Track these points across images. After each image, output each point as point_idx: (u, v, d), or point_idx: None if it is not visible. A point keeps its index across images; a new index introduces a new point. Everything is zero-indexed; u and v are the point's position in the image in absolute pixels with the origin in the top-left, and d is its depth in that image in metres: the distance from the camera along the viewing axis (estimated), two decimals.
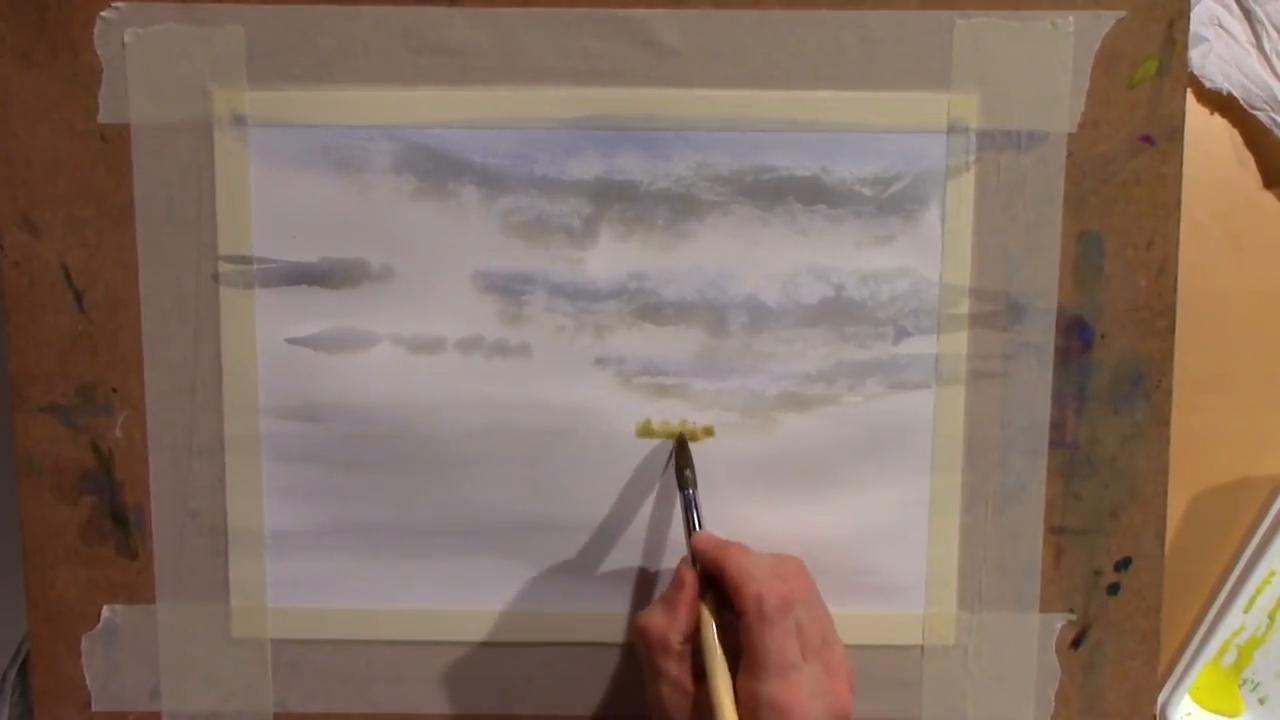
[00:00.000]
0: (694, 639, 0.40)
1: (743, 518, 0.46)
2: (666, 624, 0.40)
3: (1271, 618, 0.52)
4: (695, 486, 0.44)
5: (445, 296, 0.46)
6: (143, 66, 0.44)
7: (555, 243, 0.45)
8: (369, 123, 0.45)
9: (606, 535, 0.47)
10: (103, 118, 0.45)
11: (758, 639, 0.38)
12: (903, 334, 0.46)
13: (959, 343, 0.46)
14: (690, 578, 0.40)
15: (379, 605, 0.47)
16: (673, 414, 0.46)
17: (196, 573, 0.47)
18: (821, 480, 0.46)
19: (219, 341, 0.46)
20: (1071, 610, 0.47)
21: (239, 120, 0.45)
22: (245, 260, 0.46)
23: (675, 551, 0.47)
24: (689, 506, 0.43)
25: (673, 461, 0.45)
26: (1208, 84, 0.49)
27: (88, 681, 0.48)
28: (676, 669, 0.39)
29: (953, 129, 0.45)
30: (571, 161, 0.45)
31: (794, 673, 0.38)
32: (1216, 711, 0.52)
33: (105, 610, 0.47)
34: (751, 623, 0.38)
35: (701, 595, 0.40)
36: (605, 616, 0.47)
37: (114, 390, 0.46)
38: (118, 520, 0.47)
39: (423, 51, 0.45)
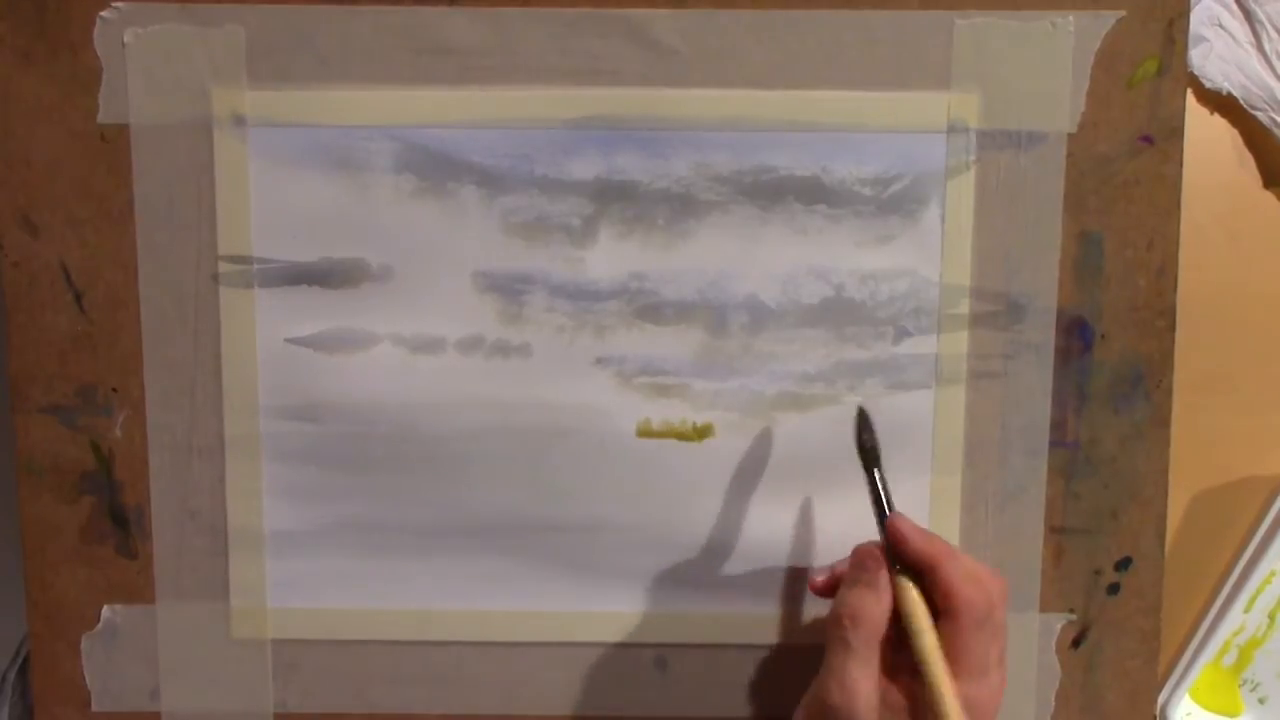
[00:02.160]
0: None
1: (743, 518, 0.46)
2: (875, 604, 0.38)
3: (1272, 618, 0.52)
4: (881, 463, 0.41)
5: (445, 296, 0.46)
6: (142, 66, 0.44)
7: (555, 242, 0.45)
8: (369, 123, 0.45)
9: (607, 535, 0.47)
10: (102, 118, 0.45)
11: (965, 641, 0.37)
12: (903, 334, 0.46)
13: (959, 343, 0.46)
14: (882, 557, 0.39)
15: (379, 605, 0.47)
16: (673, 414, 0.46)
17: (196, 573, 0.47)
18: (821, 480, 0.46)
19: (219, 341, 0.46)
20: (1071, 610, 0.47)
21: (239, 120, 0.45)
22: (245, 260, 0.46)
23: (676, 550, 0.47)
24: (878, 485, 0.41)
25: (855, 436, 0.42)
26: (1208, 84, 0.49)
27: (88, 681, 0.48)
28: (876, 655, 0.38)
29: (953, 129, 0.45)
30: (571, 161, 0.45)
31: (986, 677, 0.37)
32: (1217, 711, 0.52)
33: (105, 610, 0.47)
34: (964, 625, 0.37)
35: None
36: (605, 616, 0.47)
37: (114, 390, 0.46)
38: (118, 520, 0.47)
39: (423, 51, 0.45)
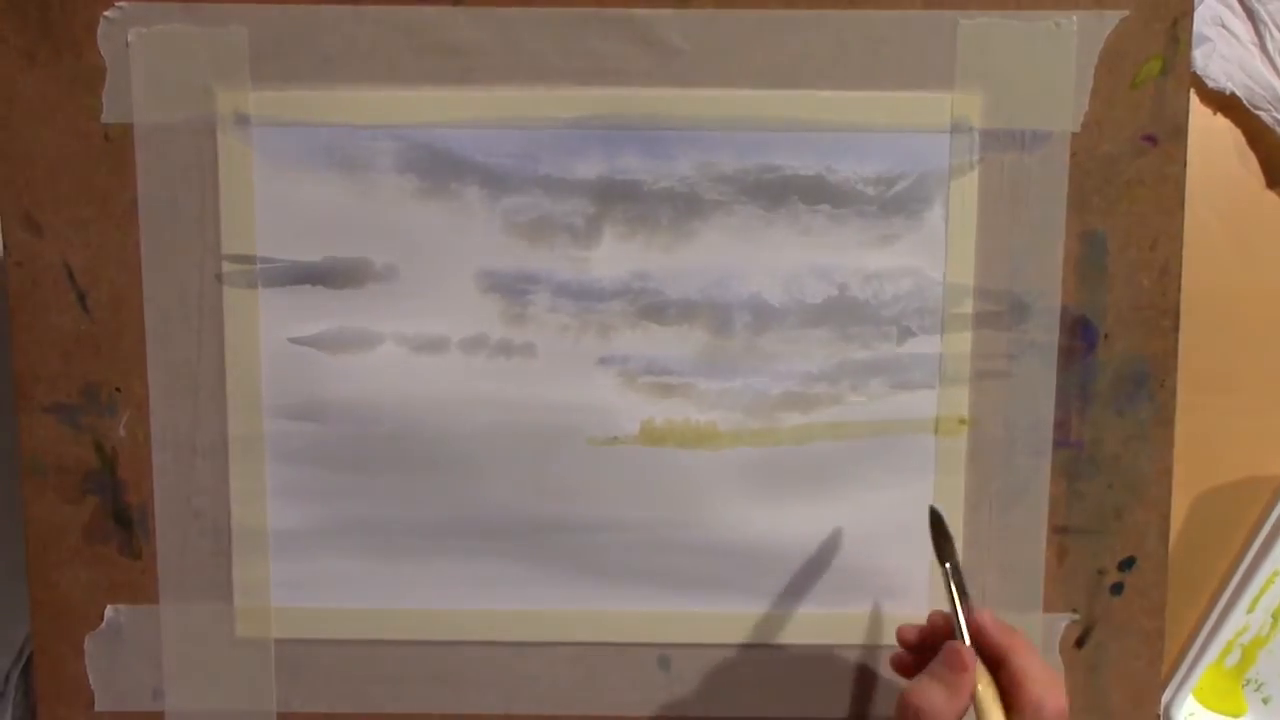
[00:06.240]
0: None
1: (746, 518, 0.46)
2: (946, 704, 0.38)
3: (1275, 618, 0.52)
4: (956, 557, 0.41)
5: (449, 296, 0.46)
6: (146, 66, 0.44)
7: (559, 242, 0.45)
8: (372, 122, 0.45)
9: (610, 535, 0.47)
10: (106, 117, 0.45)
11: None
12: (906, 334, 0.46)
13: (963, 342, 0.46)
14: (973, 663, 0.39)
15: (382, 605, 0.47)
16: (676, 414, 0.46)
17: (200, 573, 0.47)
18: (825, 480, 0.46)
19: (222, 341, 0.46)
20: (1075, 610, 0.47)
21: (242, 120, 0.45)
22: (249, 260, 0.46)
23: (679, 550, 0.47)
24: (953, 579, 0.41)
25: (931, 537, 0.43)
26: (1211, 83, 0.49)
27: (91, 681, 0.47)
28: None
29: (956, 129, 0.45)
30: (575, 161, 0.45)
31: None
32: (1220, 711, 0.52)
33: (109, 610, 0.47)
34: None
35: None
36: (609, 616, 0.47)
37: (117, 390, 0.46)
38: (121, 520, 0.47)
39: (426, 51, 0.45)
